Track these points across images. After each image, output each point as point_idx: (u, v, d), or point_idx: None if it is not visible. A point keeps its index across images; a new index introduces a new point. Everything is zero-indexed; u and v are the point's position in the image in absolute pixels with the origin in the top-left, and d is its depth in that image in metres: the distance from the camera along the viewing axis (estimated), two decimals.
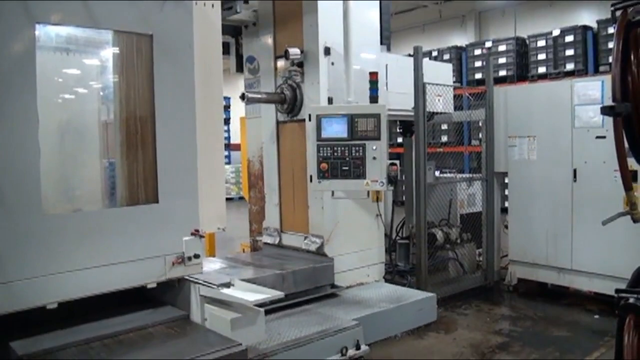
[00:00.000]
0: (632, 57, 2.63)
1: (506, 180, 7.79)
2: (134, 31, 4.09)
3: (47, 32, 3.95)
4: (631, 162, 2.77)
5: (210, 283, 4.15)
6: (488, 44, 15.14)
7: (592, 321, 6.38)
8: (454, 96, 7.79)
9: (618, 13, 2.69)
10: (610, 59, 11.95)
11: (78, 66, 4.46)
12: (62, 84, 4.39)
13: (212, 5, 4.60)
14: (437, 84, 7.07)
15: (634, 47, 2.63)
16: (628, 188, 2.78)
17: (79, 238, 3.79)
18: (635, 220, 2.91)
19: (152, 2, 4.10)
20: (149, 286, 4.14)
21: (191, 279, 4.28)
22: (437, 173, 7.89)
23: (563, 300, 7.10)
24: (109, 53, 4.29)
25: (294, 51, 6.11)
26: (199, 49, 4.38)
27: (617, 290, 2.57)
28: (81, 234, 3.81)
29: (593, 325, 6.26)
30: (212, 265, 5.84)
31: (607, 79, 6.55)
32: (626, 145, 2.70)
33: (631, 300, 2.50)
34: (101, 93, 4.45)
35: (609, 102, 2.74)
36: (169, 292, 4.41)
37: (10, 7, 3.50)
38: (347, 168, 5.60)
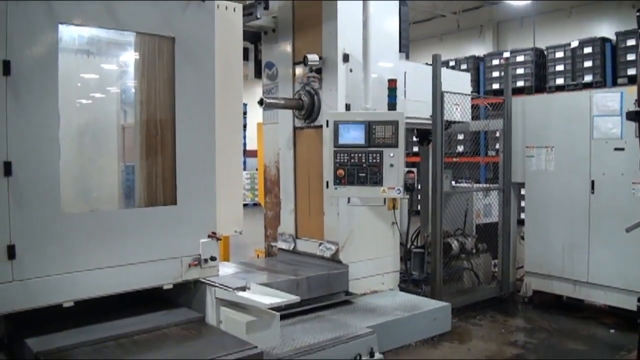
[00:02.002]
0: None
1: (523, 191, 7.73)
2: (156, 33, 4.12)
3: (70, 33, 3.98)
4: None
5: (226, 286, 4.15)
6: (506, 55, 15.04)
7: (608, 335, 6.30)
8: (471, 106, 7.76)
9: None
10: (630, 72, 11.91)
11: (99, 69, 4.50)
12: (82, 86, 4.43)
13: (234, 9, 4.62)
14: (455, 93, 7.05)
15: None
16: None
17: (96, 237, 3.82)
18: None
19: (175, 3, 4.12)
20: (165, 287, 4.15)
21: (207, 281, 4.29)
22: (452, 183, 7.85)
23: (578, 313, 7.01)
24: (130, 55, 4.33)
25: (313, 57, 6.13)
26: (220, 52, 4.40)
27: None
28: (99, 234, 3.83)
29: (608, 339, 6.18)
30: (226, 270, 5.83)
31: (627, 90, 6.50)
32: None
33: None
34: (122, 96, 4.48)
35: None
36: (185, 294, 4.41)
37: (34, 8, 3.54)
38: (363, 175, 5.59)
